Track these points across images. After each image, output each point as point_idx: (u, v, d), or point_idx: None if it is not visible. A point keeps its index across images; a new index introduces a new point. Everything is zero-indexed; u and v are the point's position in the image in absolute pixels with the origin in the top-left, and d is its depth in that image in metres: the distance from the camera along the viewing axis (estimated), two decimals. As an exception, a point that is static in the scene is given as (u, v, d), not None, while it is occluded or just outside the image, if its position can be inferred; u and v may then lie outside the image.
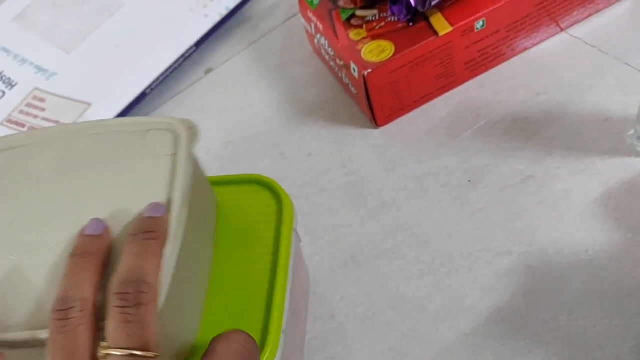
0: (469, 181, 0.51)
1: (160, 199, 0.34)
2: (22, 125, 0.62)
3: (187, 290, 0.35)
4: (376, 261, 0.49)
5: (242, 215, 0.42)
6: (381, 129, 0.56)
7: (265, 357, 0.35)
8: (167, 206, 0.34)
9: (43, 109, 0.63)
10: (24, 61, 0.67)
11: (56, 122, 0.61)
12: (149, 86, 0.62)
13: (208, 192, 0.41)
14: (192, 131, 0.37)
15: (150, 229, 0.33)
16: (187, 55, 0.64)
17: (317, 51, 0.62)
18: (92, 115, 0.61)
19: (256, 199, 0.42)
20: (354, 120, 0.58)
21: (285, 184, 0.54)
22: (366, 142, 0.56)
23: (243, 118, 0.61)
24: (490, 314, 0.44)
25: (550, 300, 0.44)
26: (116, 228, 0.34)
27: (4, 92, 0.65)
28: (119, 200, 0.35)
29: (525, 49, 0.58)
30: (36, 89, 0.65)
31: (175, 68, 0.63)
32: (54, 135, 0.39)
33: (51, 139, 0.38)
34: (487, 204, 0.50)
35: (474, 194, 0.51)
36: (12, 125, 0.62)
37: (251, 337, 0.34)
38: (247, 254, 0.40)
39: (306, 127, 0.58)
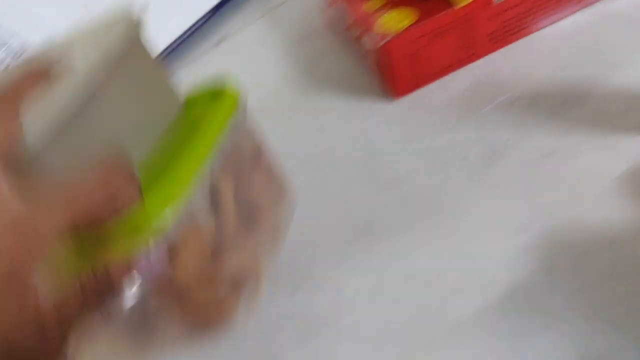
0: (489, 156, 0.49)
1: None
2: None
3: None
4: (389, 234, 0.47)
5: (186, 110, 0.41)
6: (398, 101, 0.55)
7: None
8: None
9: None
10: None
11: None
12: (163, 52, 0.61)
13: (158, 77, 0.40)
14: (137, 19, 0.36)
15: None
16: (202, 22, 0.63)
17: (334, 21, 0.61)
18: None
19: (203, 96, 0.42)
20: (370, 92, 0.56)
21: (298, 156, 0.53)
22: (382, 114, 0.54)
23: (256, 88, 0.59)
24: (508, 290, 0.43)
25: (572, 278, 0.42)
26: None
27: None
28: None
29: (551, 23, 0.56)
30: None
31: (190, 35, 0.62)
32: None
33: None
34: (506, 179, 0.48)
35: (493, 168, 0.49)
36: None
37: (134, 178, 0.30)
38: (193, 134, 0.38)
39: (320, 98, 0.57)
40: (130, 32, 0.35)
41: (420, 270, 0.45)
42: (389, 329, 0.43)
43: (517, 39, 0.55)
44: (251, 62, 0.62)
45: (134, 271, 0.29)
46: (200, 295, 0.34)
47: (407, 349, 0.41)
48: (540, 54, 0.54)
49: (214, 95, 0.42)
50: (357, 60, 0.58)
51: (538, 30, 0.56)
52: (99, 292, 0.28)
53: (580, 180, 0.47)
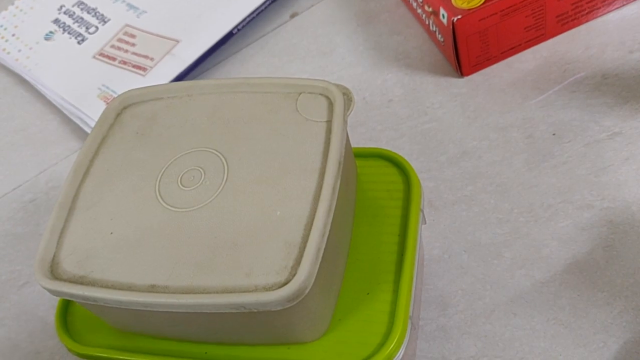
0: (554, 134, 0.51)
1: (314, 165, 0.33)
2: (113, 59, 0.64)
3: (332, 263, 0.34)
4: (454, 207, 0.49)
5: (368, 191, 0.40)
6: (465, 78, 0.56)
7: (392, 345, 0.33)
8: (322, 174, 0.33)
9: (133, 44, 0.65)
10: (116, -1, 0.69)
11: (146, 56, 0.63)
12: (236, 26, 0.63)
13: (352, 161, 0.40)
14: (347, 97, 0.35)
15: None
16: (276, -4, 0.65)
17: (405, -1, 0.62)
18: (181, 51, 0.62)
19: (383, 174, 0.41)
20: (438, 68, 0.57)
21: (366, 129, 0.55)
22: (449, 90, 0.56)
23: (326, 63, 0.61)
24: (568, 265, 0.44)
25: (631, 256, 0.43)
26: (266, 191, 0.33)
27: (97, 27, 0.67)
28: (270, 162, 0.34)
29: (622, 5, 0.56)
30: (127, 25, 0.67)
31: (262, 10, 0.64)
32: (209, 89, 0.38)
33: (206, 92, 0.38)
34: (571, 157, 0.49)
35: (558, 147, 0.50)
36: (104, 59, 0.64)
37: None
38: (373, 231, 0.38)
39: (389, 73, 0.58)
40: (342, 114, 0.35)
41: (482, 243, 0.47)
42: (452, 295, 0.45)
43: (586, 21, 0.56)
44: (323, 37, 0.63)
45: None
46: None
47: (469, 315, 0.43)
48: (609, 37, 0.55)
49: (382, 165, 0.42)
50: (427, 37, 0.60)
51: (606, 13, 0.56)
52: None
53: (645, 162, 0.48)
